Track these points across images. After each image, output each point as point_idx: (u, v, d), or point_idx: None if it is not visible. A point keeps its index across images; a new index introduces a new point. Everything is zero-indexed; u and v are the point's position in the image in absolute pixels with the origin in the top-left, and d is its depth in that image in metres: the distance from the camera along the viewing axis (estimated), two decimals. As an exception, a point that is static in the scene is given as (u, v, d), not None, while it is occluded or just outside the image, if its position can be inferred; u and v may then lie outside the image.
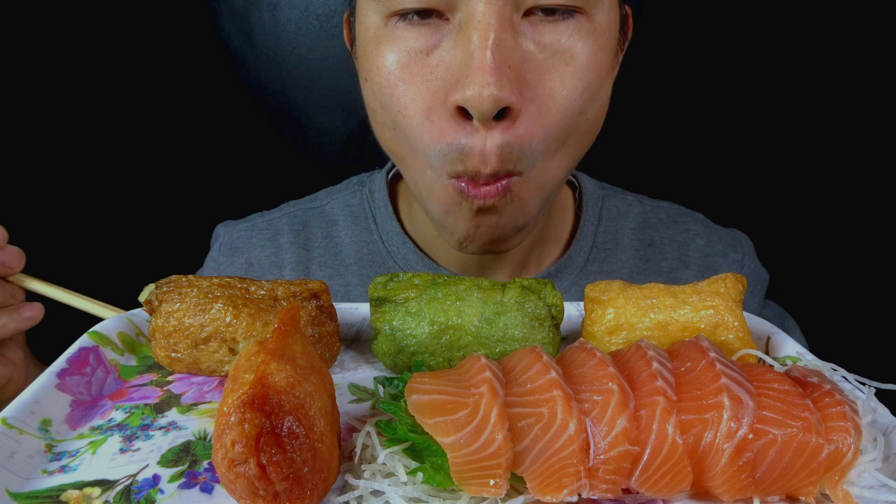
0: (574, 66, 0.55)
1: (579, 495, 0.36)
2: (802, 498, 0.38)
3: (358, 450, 0.40)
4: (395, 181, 0.85)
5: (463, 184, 0.56)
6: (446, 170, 0.57)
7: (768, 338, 0.56)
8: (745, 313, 0.53)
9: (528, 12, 0.54)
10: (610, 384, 0.37)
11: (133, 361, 0.54)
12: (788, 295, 0.90)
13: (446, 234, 0.64)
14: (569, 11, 0.55)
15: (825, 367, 0.47)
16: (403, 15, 0.55)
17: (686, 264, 0.82)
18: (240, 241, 0.85)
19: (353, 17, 0.64)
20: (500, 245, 0.63)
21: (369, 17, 0.58)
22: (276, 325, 0.39)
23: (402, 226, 0.81)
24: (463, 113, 0.54)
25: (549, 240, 0.80)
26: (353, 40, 0.66)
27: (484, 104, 0.51)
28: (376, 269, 0.80)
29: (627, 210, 0.85)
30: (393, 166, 0.86)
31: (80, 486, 0.39)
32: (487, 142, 0.54)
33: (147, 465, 0.41)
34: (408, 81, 0.56)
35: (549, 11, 0.54)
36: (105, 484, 0.39)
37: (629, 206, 0.85)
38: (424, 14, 0.54)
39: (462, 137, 0.54)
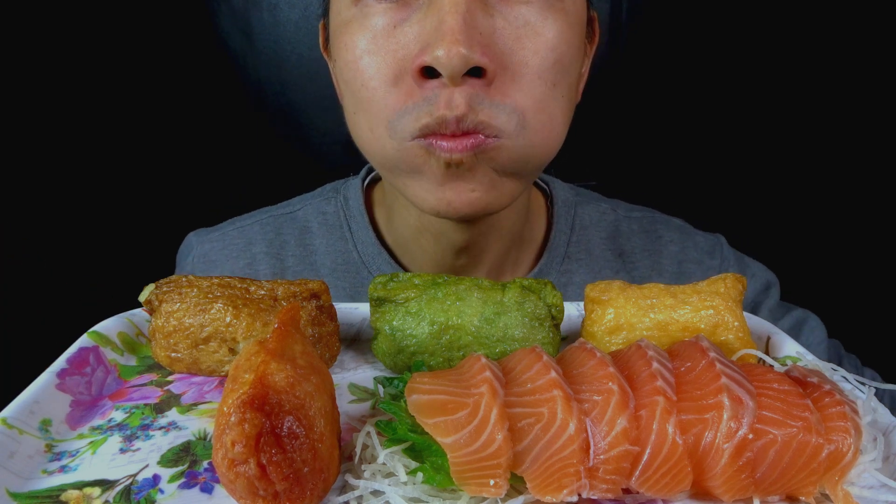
0: (546, 38, 0.56)
1: (579, 495, 0.36)
2: (802, 498, 0.38)
3: (358, 450, 0.40)
4: (370, 188, 0.84)
5: (430, 140, 0.55)
6: (410, 129, 0.55)
7: (768, 338, 0.56)
8: (745, 313, 0.53)
9: None
10: (610, 384, 0.37)
11: (133, 361, 0.54)
12: (788, 295, 0.90)
13: (420, 200, 0.60)
14: None
15: (825, 367, 0.47)
16: None
17: (659, 273, 0.81)
18: (212, 252, 0.83)
19: (327, 20, 0.64)
20: (480, 209, 0.59)
21: (341, 2, 0.59)
22: (276, 325, 0.39)
23: (377, 234, 0.80)
24: (431, 75, 0.53)
25: (524, 246, 0.79)
26: (327, 39, 0.66)
27: (453, 61, 0.50)
28: (351, 279, 0.79)
29: (600, 219, 0.84)
30: (368, 173, 0.84)
31: (80, 486, 0.39)
32: (456, 91, 0.53)
33: (147, 465, 0.41)
34: (374, 53, 0.56)
35: None
36: (105, 484, 0.39)
37: (602, 214, 0.84)
38: None
39: (428, 92, 0.54)
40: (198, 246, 0.84)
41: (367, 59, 0.56)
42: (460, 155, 0.54)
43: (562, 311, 0.51)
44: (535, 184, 0.84)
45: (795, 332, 0.80)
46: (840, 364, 0.80)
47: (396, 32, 0.55)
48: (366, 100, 0.57)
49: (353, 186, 0.83)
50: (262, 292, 0.51)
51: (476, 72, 0.53)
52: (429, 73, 0.53)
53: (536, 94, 0.56)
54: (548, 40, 0.56)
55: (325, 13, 0.65)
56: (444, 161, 0.55)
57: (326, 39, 0.66)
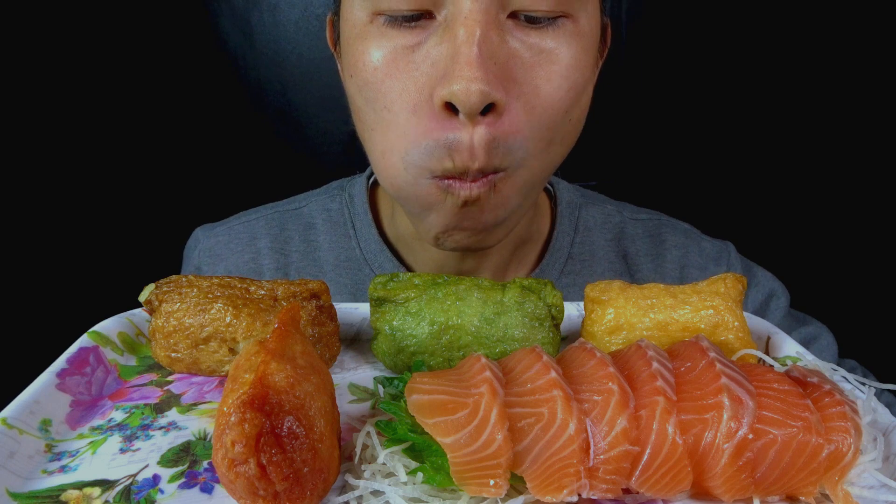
0: (560, 65, 0.56)
1: (579, 495, 0.36)
2: (802, 498, 0.38)
3: (358, 450, 0.40)
4: (375, 186, 0.84)
5: (448, 182, 0.56)
6: (430, 167, 0.55)
7: (768, 338, 0.56)
8: (744, 313, 0.53)
9: (513, 15, 0.54)
10: (610, 384, 0.37)
11: (133, 361, 0.54)
12: (802, 300, 0.89)
13: (423, 230, 0.62)
14: (552, 18, 0.55)
15: (825, 367, 0.47)
16: (392, 16, 0.55)
17: (662, 277, 0.81)
18: (218, 246, 0.84)
19: (336, 18, 0.64)
20: (480, 241, 0.62)
21: (355, 14, 0.58)
22: (276, 325, 0.39)
23: (381, 231, 0.80)
24: (449, 108, 0.53)
25: (526, 249, 0.79)
26: (336, 39, 0.65)
27: (471, 98, 0.51)
28: (353, 276, 0.79)
29: (605, 221, 0.84)
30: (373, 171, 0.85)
31: (80, 486, 0.39)
32: (475, 136, 0.53)
33: (147, 465, 0.41)
34: (394, 77, 0.55)
35: (533, 20, 0.54)
36: (105, 484, 0.39)
37: (607, 216, 0.84)
38: (411, 18, 0.54)
39: (449, 133, 0.54)
40: (203, 240, 0.85)
41: (389, 82, 0.56)
42: (478, 192, 0.56)
43: (562, 311, 0.51)
44: None
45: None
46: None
47: (414, 56, 0.55)
48: (386, 122, 0.57)
49: (358, 184, 0.84)
50: (262, 292, 0.51)
51: (491, 104, 0.53)
52: (448, 104, 0.53)
53: (546, 122, 0.56)
54: (562, 68, 0.55)
55: (336, 11, 0.64)
56: (462, 200, 0.56)
57: (336, 38, 0.65)
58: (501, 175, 0.56)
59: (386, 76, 0.56)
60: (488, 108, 0.53)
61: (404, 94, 0.55)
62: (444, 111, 0.54)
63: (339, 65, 0.66)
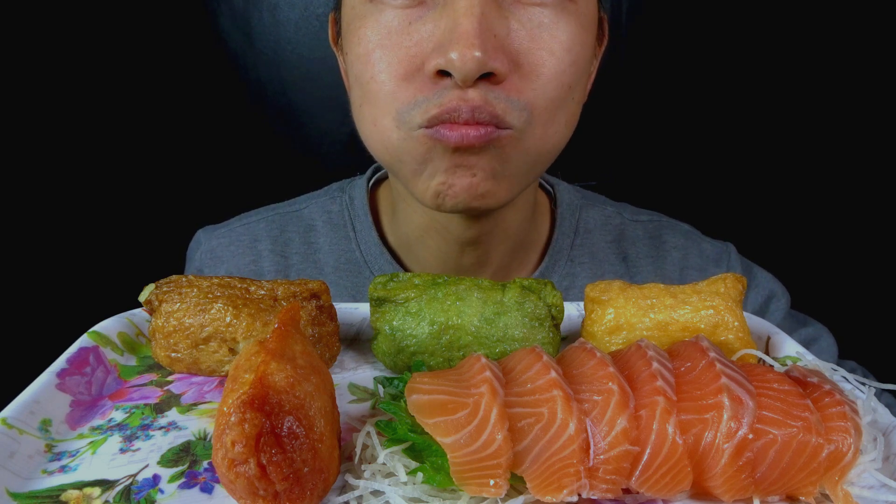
0: (562, 39, 0.56)
1: (579, 495, 0.36)
2: (802, 498, 0.38)
3: (358, 450, 0.40)
4: (375, 188, 0.84)
5: (436, 128, 0.54)
6: (418, 121, 0.55)
7: (768, 338, 0.56)
8: (745, 314, 0.53)
9: None
10: (610, 384, 0.37)
11: (133, 361, 0.54)
12: (804, 300, 0.89)
13: (422, 190, 0.60)
14: None
15: (825, 367, 0.47)
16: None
17: (662, 279, 0.81)
18: (219, 248, 0.84)
19: (338, 14, 0.64)
20: (479, 199, 0.58)
21: None
22: (276, 325, 0.39)
23: (381, 234, 0.80)
24: (442, 77, 0.53)
25: (527, 251, 0.79)
26: (338, 35, 0.65)
27: (467, 65, 0.50)
28: (353, 279, 0.79)
29: (605, 222, 0.84)
30: (374, 173, 0.85)
31: (80, 486, 0.39)
32: (470, 89, 0.52)
33: (147, 465, 0.41)
34: (386, 48, 0.55)
35: None
36: (105, 484, 0.39)
37: (607, 217, 0.84)
38: None
39: (440, 87, 0.53)
40: (205, 242, 0.85)
41: (379, 52, 0.56)
42: (474, 137, 0.54)
43: (562, 311, 0.51)
44: (540, 185, 0.84)
45: None
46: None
47: (411, 29, 0.55)
48: (373, 93, 0.57)
49: (358, 186, 0.83)
50: (262, 292, 0.51)
51: (488, 74, 0.52)
52: (443, 73, 0.53)
53: (550, 94, 0.56)
54: (563, 42, 0.56)
55: (337, 7, 0.65)
56: (454, 145, 0.54)
57: (337, 33, 0.66)
58: (507, 133, 0.55)
59: (378, 47, 0.56)
60: (486, 76, 0.52)
61: (394, 64, 0.55)
62: (438, 78, 0.53)
63: (340, 62, 0.66)
